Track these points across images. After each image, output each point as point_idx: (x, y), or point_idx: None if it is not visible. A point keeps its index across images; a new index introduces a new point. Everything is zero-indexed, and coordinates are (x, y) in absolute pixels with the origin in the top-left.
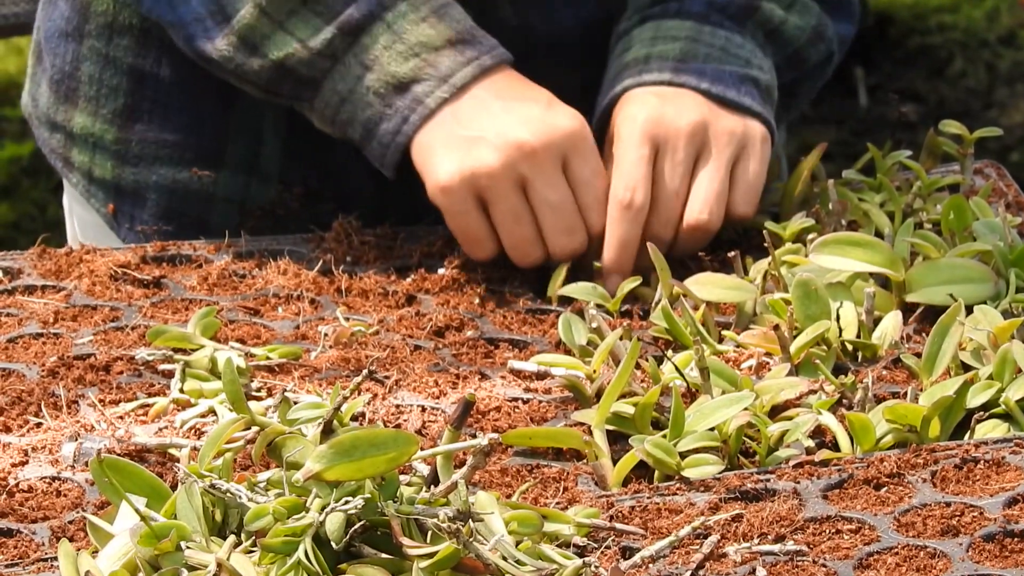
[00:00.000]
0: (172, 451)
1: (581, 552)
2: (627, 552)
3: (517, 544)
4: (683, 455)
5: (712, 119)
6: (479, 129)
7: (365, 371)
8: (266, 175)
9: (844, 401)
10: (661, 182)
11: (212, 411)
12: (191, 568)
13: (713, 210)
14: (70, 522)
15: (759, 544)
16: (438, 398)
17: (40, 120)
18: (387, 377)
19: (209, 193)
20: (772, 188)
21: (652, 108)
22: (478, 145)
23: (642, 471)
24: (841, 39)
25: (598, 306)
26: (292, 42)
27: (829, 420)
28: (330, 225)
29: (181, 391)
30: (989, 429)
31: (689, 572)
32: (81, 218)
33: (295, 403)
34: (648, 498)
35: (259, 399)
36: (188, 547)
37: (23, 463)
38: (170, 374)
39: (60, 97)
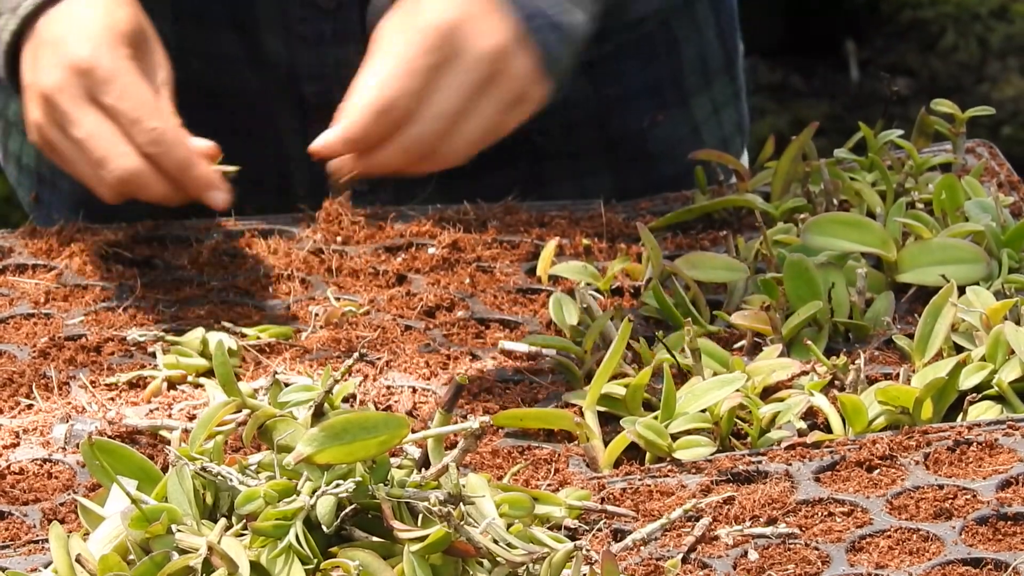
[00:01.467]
0: (163, 433)
1: (572, 535)
2: (618, 534)
3: (508, 527)
4: (674, 437)
5: (514, 53)
6: (29, 76)
7: (356, 354)
8: None
9: (836, 382)
10: (432, 101)
11: (199, 386)
12: (182, 551)
13: (469, 150)
14: (61, 504)
15: (751, 527)
16: (429, 379)
17: None
18: (378, 358)
19: None
20: (763, 167)
21: (455, 14)
22: (29, 95)
23: (633, 453)
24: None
25: (588, 285)
26: None
27: (821, 401)
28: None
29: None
30: (982, 411)
31: (681, 555)
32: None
33: (286, 385)
34: (639, 480)
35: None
36: (179, 530)
37: (14, 445)
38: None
39: (2, 85)
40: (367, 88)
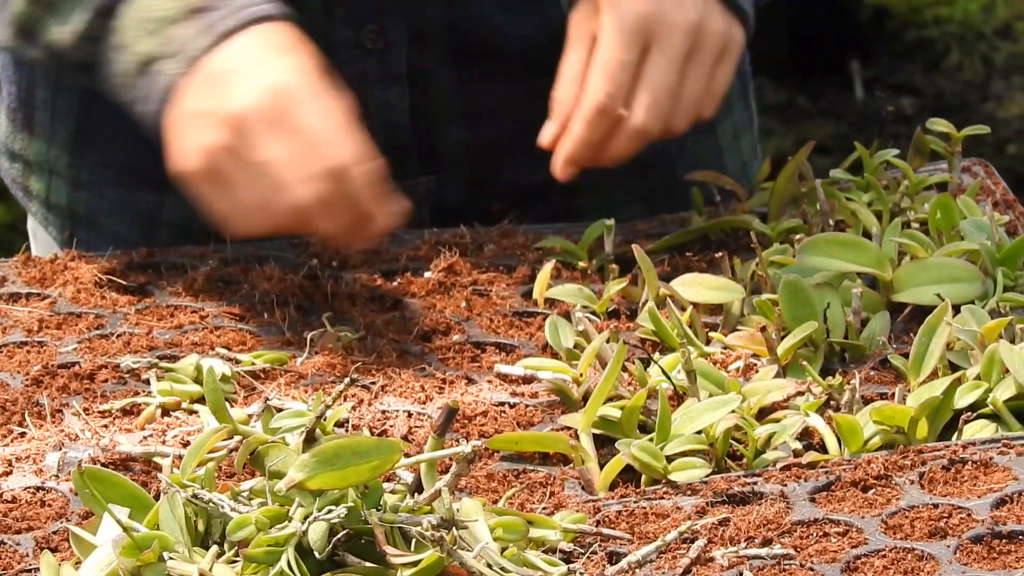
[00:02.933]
0: (157, 460)
1: (567, 558)
2: (614, 557)
3: (502, 551)
4: (670, 459)
5: (707, 17)
6: (206, 103)
7: (347, 379)
8: None
9: (831, 403)
10: (648, 81)
11: (193, 412)
12: None
13: (690, 119)
14: (54, 532)
15: (746, 548)
16: (424, 403)
17: (1, 151)
18: (373, 383)
19: (155, 217)
20: (760, 188)
21: (649, 2)
22: (206, 121)
23: (629, 475)
24: None
25: (584, 308)
26: (58, 27)
27: (816, 422)
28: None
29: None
30: (977, 430)
31: None
32: (44, 244)
33: (278, 411)
34: (635, 502)
35: (244, 405)
36: (171, 557)
37: (7, 473)
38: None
39: (17, 125)
40: (582, 89)
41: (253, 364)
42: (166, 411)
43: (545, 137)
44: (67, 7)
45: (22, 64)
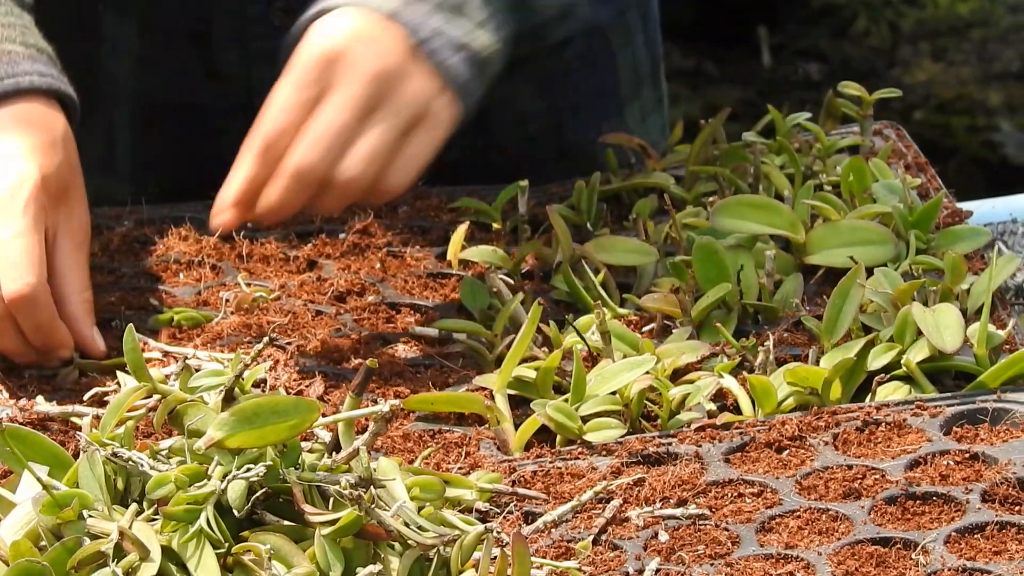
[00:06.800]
0: (74, 419)
1: (483, 517)
2: (529, 517)
3: (419, 510)
4: (585, 419)
5: (407, 73)
6: None
7: (266, 338)
8: (120, 176)
9: (745, 364)
10: (310, 128)
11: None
12: (93, 536)
13: (368, 172)
14: None
15: (661, 508)
16: (340, 364)
17: None
18: (289, 343)
19: None
20: (674, 150)
21: (338, 41)
22: None
23: (544, 436)
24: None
25: (498, 269)
26: None
27: (730, 383)
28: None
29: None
30: (890, 391)
31: (591, 536)
32: None
33: (197, 370)
34: (550, 463)
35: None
36: (90, 516)
37: None
38: None
39: None
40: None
41: (171, 323)
42: (83, 372)
43: (219, 216)
44: None
45: None
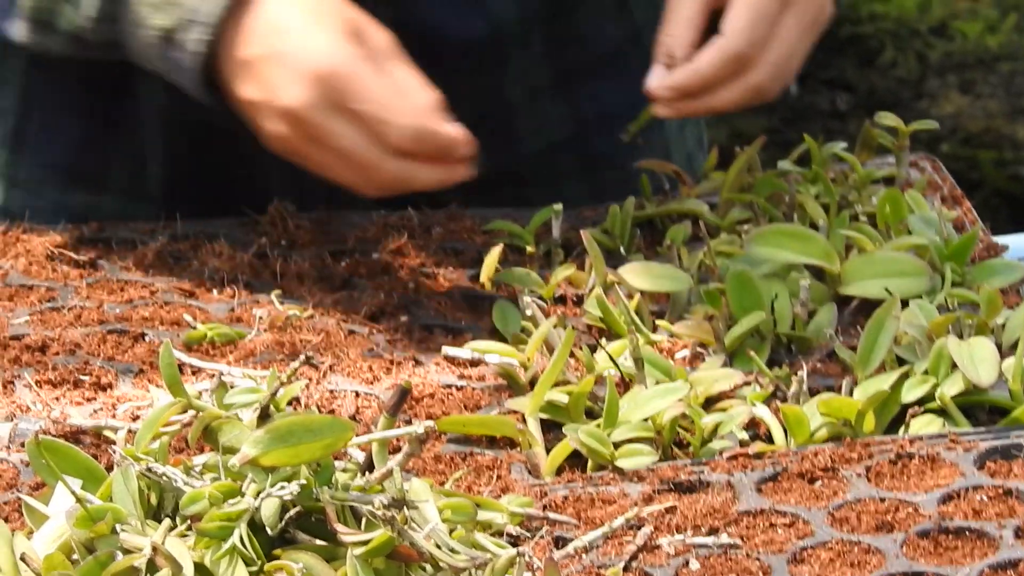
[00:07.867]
0: (107, 433)
1: (514, 541)
2: (560, 542)
3: (451, 532)
4: (617, 445)
5: None
6: (257, 92)
7: (302, 356)
8: (150, 198)
9: (778, 393)
10: (773, 48)
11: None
12: (126, 551)
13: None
14: (5, 503)
15: (692, 536)
16: (372, 384)
17: None
18: (321, 362)
19: (92, 218)
20: (708, 177)
21: None
22: (259, 111)
23: (575, 460)
24: None
25: (532, 292)
26: (73, 13)
27: (763, 412)
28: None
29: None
30: (924, 424)
31: (622, 563)
32: None
33: (231, 387)
34: (581, 488)
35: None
36: (123, 530)
37: None
38: (105, 354)
39: None
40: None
41: (205, 338)
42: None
43: (653, 80)
44: None
45: None
